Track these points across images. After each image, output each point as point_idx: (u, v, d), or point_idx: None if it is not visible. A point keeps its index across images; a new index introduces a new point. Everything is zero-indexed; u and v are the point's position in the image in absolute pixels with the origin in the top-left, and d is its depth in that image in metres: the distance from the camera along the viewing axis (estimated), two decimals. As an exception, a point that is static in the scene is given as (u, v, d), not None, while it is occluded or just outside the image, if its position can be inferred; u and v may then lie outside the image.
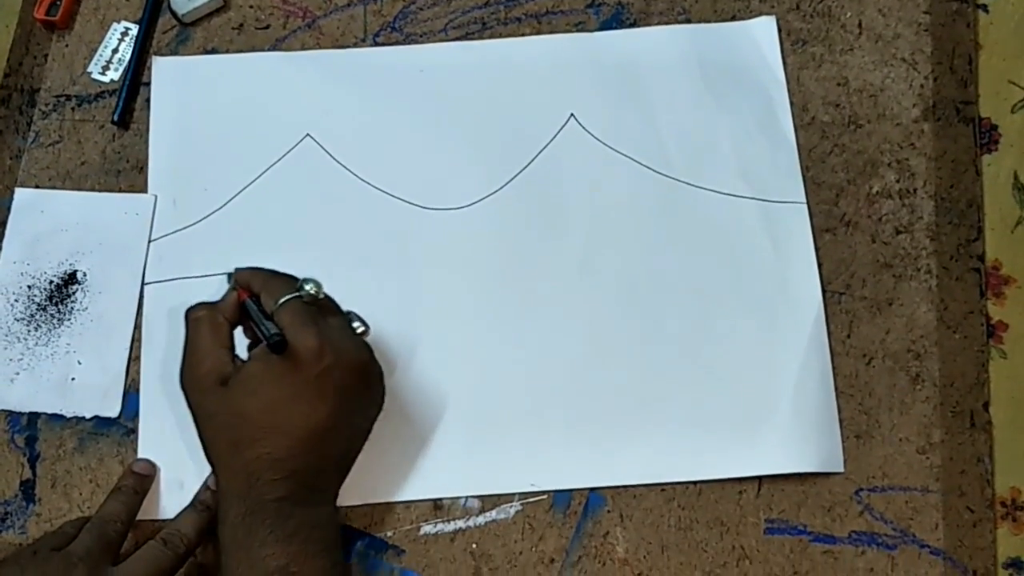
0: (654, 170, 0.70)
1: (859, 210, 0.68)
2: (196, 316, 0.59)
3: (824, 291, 0.66)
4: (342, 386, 0.56)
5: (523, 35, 0.74)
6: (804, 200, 0.69)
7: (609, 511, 0.63)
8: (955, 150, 0.69)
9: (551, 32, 0.74)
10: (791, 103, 0.71)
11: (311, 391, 0.55)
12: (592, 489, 0.63)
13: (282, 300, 0.57)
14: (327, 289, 0.59)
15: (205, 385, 0.57)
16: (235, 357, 0.58)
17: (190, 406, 0.58)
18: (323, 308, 0.59)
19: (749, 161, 0.70)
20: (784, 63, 0.72)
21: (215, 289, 0.67)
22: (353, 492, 0.63)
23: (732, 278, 0.67)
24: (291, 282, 0.58)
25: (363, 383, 0.59)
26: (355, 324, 0.60)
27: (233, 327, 0.59)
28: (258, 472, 0.55)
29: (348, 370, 0.57)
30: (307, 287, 0.57)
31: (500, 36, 0.74)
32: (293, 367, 0.55)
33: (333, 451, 0.58)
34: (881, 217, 0.68)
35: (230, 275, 0.62)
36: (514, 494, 0.63)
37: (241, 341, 0.61)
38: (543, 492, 0.63)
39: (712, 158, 0.70)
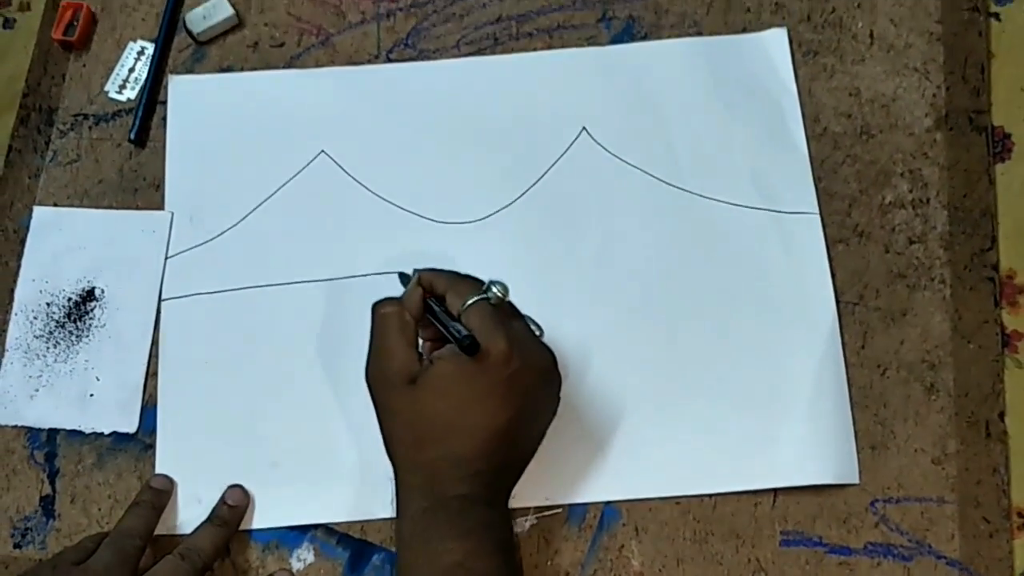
0: (666, 182, 0.70)
1: (872, 220, 0.68)
2: (385, 312, 0.59)
3: (838, 302, 0.66)
4: (527, 389, 0.57)
5: (535, 50, 0.75)
6: (817, 211, 0.69)
7: (624, 524, 0.63)
8: (968, 159, 0.69)
9: (563, 47, 0.75)
10: (803, 114, 0.71)
11: (498, 393, 0.56)
12: (607, 503, 0.63)
13: (470, 302, 0.57)
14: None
15: (394, 383, 0.57)
16: (420, 356, 0.59)
17: (375, 402, 0.59)
18: (506, 312, 0.59)
19: (761, 172, 0.70)
20: (795, 74, 0.72)
21: (231, 304, 0.68)
22: (366, 507, 0.64)
23: (746, 290, 0.67)
24: (477, 284, 0.59)
25: (546, 387, 0.60)
26: (531, 327, 0.60)
27: (418, 325, 0.60)
28: (442, 470, 0.56)
29: (534, 374, 0.57)
30: (494, 289, 0.57)
31: (512, 51, 0.75)
32: (483, 369, 0.55)
33: (513, 452, 0.59)
34: (894, 227, 0.68)
35: (403, 275, 0.63)
36: (529, 508, 0.63)
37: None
38: (558, 506, 0.63)
39: (724, 170, 0.70)
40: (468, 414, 0.56)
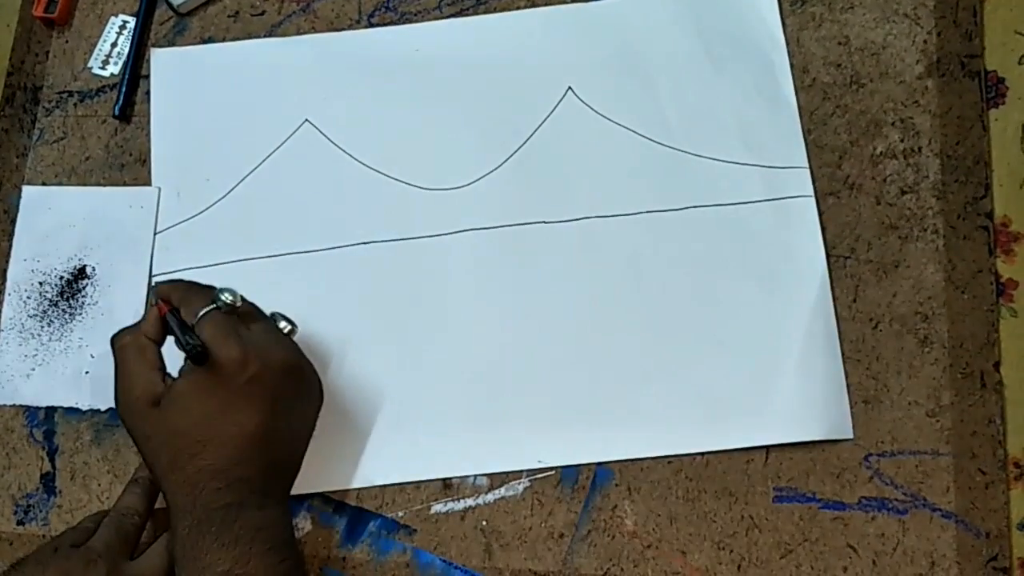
0: (654, 140, 0.69)
1: (863, 172, 0.67)
2: (121, 344, 0.59)
3: (829, 256, 0.66)
4: (272, 390, 0.57)
5: (518, 8, 0.73)
6: (807, 165, 0.68)
7: (617, 484, 0.63)
8: (961, 106, 0.68)
9: (546, 4, 0.73)
10: (791, 65, 0.70)
11: (241, 400, 0.56)
12: (599, 463, 0.63)
13: (201, 313, 0.57)
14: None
15: (138, 408, 0.57)
16: (166, 375, 0.58)
17: (128, 431, 0.58)
18: (244, 315, 0.59)
19: (750, 127, 0.69)
20: (783, 24, 0.71)
21: (221, 278, 0.67)
22: (364, 474, 0.64)
23: (736, 247, 0.67)
24: (208, 293, 0.58)
25: (294, 384, 0.59)
26: (281, 324, 0.60)
27: (159, 344, 0.59)
28: (201, 483, 0.55)
29: (276, 374, 0.57)
30: (223, 296, 0.57)
31: (495, 10, 0.74)
32: (220, 378, 0.55)
33: (274, 454, 0.58)
34: (886, 178, 0.67)
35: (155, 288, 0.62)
36: (522, 471, 0.64)
37: (178, 354, 0.59)
38: (551, 468, 0.64)
39: (713, 126, 0.69)
40: (215, 425, 0.55)
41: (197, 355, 0.55)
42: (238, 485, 0.55)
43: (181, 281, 0.61)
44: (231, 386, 0.55)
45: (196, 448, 0.55)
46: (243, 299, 0.58)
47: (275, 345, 0.58)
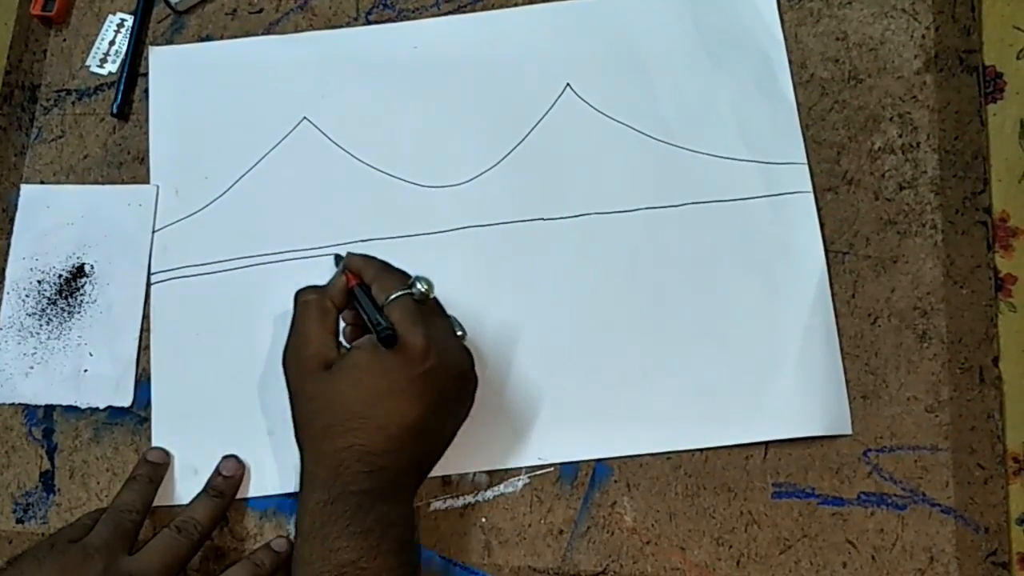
0: (653, 137, 0.69)
1: (861, 167, 0.67)
2: (305, 299, 0.60)
3: (827, 251, 0.66)
4: (441, 388, 0.57)
5: (516, 5, 0.73)
6: (805, 161, 0.68)
7: (616, 481, 0.63)
8: (959, 101, 0.68)
9: (544, 1, 0.73)
10: (789, 61, 0.70)
11: (412, 389, 0.56)
12: (598, 460, 0.63)
13: (394, 295, 0.57)
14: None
15: (308, 368, 0.58)
16: (339, 344, 0.59)
17: (289, 387, 0.59)
18: (430, 309, 0.59)
19: (748, 123, 0.69)
20: (781, 20, 0.71)
21: (220, 276, 0.68)
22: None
23: (734, 243, 0.67)
24: (403, 278, 0.59)
25: (461, 388, 0.60)
26: (455, 329, 0.60)
27: (340, 312, 0.60)
28: (347, 462, 0.55)
29: (449, 373, 0.57)
30: (419, 285, 0.58)
31: (493, 7, 0.73)
32: (399, 363, 0.55)
33: (421, 450, 0.58)
34: (884, 173, 0.67)
35: (338, 257, 0.63)
36: (521, 468, 0.64)
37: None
38: (550, 465, 0.64)
39: (711, 122, 0.69)
40: (379, 406, 0.55)
41: (387, 337, 0.55)
42: (380, 474, 0.55)
43: (374, 259, 0.61)
44: (406, 373, 0.55)
45: (354, 423, 0.55)
46: (434, 294, 0.59)
47: (454, 345, 0.59)
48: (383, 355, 0.56)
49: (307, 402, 0.58)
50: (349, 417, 0.55)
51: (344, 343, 0.61)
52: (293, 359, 0.59)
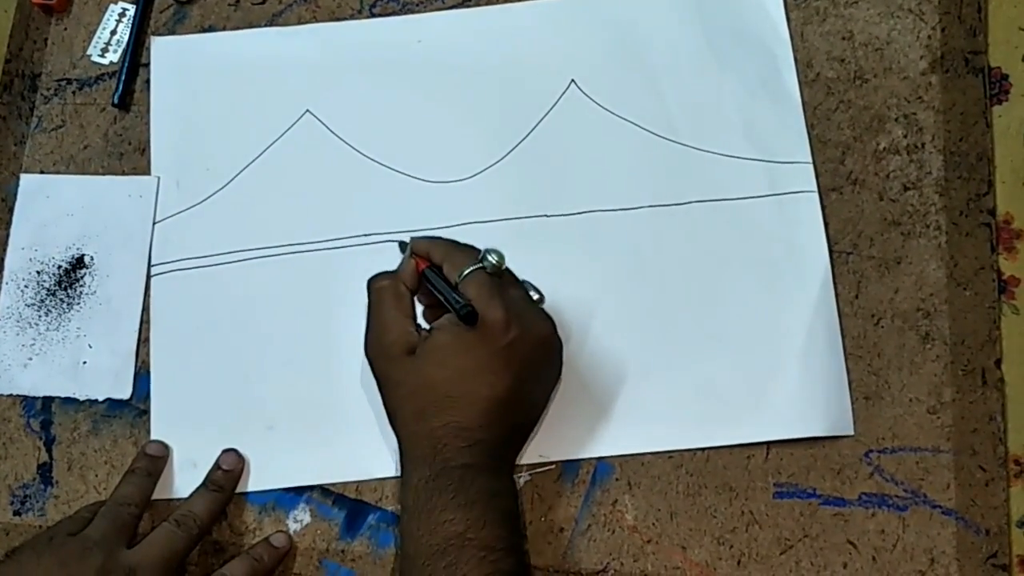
0: (657, 135, 0.69)
1: (866, 167, 0.67)
2: (379, 286, 0.60)
3: (831, 251, 0.66)
4: (526, 358, 0.57)
5: (521, 0, 0.73)
6: (810, 160, 0.67)
7: (617, 479, 0.63)
8: (964, 102, 0.68)
9: (550, -5, 0.73)
10: (795, 60, 0.70)
11: (498, 362, 0.56)
12: (600, 458, 0.63)
13: (467, 271, 0.57)
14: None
15: (392, 354, 0.57)
16: (418, 326, 0.59)
17: (376, 375, 0.59)
18: (504, 280, 0.59)
19: (754, 122, 0.69)
20: (787, 19, 0.71)
21: (220, 269, 0.68)
22: (363, 467, 0.64)
23: (738, 242, 0.67)
24: (473, 253, 0.58)
25: (546, 355, 0.59)
26: (531, 294, 0.60)
27: (414, 295, 0.60)
28: (444, 439, 0.55)
29: (532, 342, 0.57)
30: (491, 258, 0.57)
31: (498, 2, 0.73)
32: (481, 338, 0.55)
33: (516, 420, 0.58)
34: (888, 174, 0.67)
35: (402, 244, 0.62)
36: (522, 465, 0.63)
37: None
38: (551, 462, 0.63)
39: (716, 120, 0.69)
40: (468, 383, 0.55)
41: (467, 315, 0.55)
42: (479, 447, 0.55)
43: (440, 238, 0.61)
44: (490, 347, 0.55)
45: (445, 403, 0.55)
46: (506, 264, 0.58)
47: (533, 314, 0.58)
48: (465, 333, 0.55)
49: (396, 388, 0.58)
50: (439, 398, 0.55)
51: (424, 325, 0.61)
52: (376, 347, 0.59)
